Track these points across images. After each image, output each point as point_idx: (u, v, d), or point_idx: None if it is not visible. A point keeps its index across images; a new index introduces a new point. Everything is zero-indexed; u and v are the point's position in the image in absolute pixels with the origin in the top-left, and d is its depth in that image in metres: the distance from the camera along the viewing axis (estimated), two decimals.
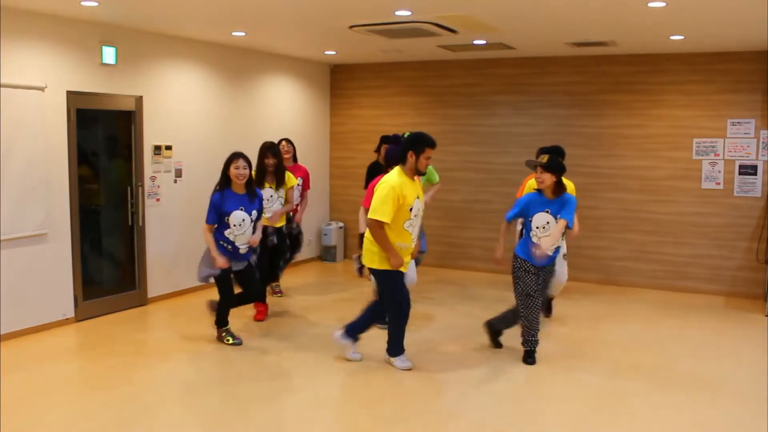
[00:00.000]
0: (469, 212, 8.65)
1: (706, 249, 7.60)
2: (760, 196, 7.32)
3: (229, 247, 5.33)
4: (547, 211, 4.96)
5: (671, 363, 5.23)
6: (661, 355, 5.41)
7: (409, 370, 4.94)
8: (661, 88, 7.68)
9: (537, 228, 4.97)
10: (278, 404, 4.33)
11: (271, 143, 6.24)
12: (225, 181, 5.32)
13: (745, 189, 7.37)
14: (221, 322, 5.56)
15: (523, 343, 5.21)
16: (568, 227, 5.01)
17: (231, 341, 5.50)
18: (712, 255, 7.58)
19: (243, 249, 5.38)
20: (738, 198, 7.41)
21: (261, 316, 6.21)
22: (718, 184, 7.48)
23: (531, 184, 5.91)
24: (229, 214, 5.26)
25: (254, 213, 5.37)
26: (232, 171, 5.28)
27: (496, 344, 5.48)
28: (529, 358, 5.18)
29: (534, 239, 5.00)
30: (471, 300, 7.07)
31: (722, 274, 7.55)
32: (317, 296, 7.16)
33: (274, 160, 6.12)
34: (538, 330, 5.17)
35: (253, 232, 5.41)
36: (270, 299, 6.77)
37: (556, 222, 4.94)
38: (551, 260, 5.09)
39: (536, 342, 5.18)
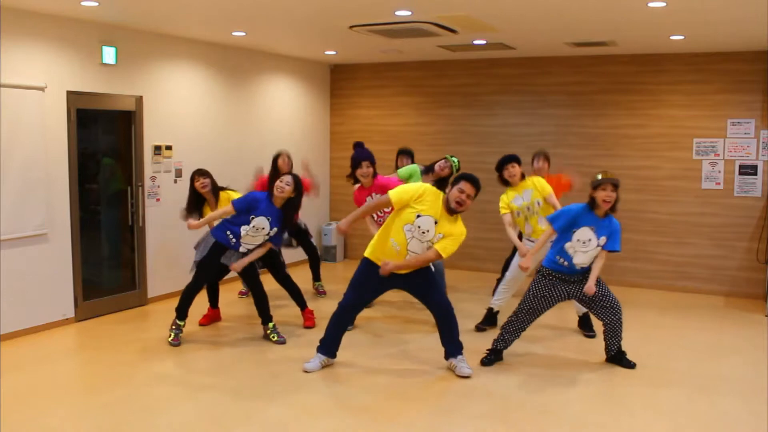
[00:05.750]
0: (469, 212, 8.57)
1: (706, 249, 7.60)
2: (760, 196, 7.32)
3: (233, 239, 5.34)
4: (593, 229, 4.83)
5: (671, 363, 5.23)
6: (660, 355, 5.41)
7: (307, 372, 4.85)
8: (661, 88, 7.68)
9: (578, 240, 4.84)
10: (279, 405, 4.33)
11: (201, 169, 5.94)
12: (270, 190, 5.35)
13: (745, 189, 7.37)
14: (180, 312, 5.50)
15: (496, 340, 5.14)
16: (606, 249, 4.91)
17: (171, 337, 5.48)
18: (712, 255, 7.58)
19: (243, 249, 5.39)
20: (738, 198, 7.42)
21: (205, 320, 6.08)
22: (718, 184, 7.49)
23: (505, 198, 5.86)
24: (257, 215, 5.25)
25: (274, 230, 5.33)
26: (277, 183, 5.28)
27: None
28: (487, 358, 5.09)
29: (569, 250, 4.88)
30: (471, 301, 7.07)
31: (722, 274, 7.55)
32: (316, 296, 7.15)
33: (207, 180, 5.82)
34: (517, 337, 5.10)
35: (255, 248, 5.41)
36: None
37: (597, 242, 4.82)
38: (581, 271, 4.96)
39: (507, 344, 5.11)
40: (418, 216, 4.63)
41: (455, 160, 6.37)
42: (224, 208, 5.42)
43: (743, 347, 5.66)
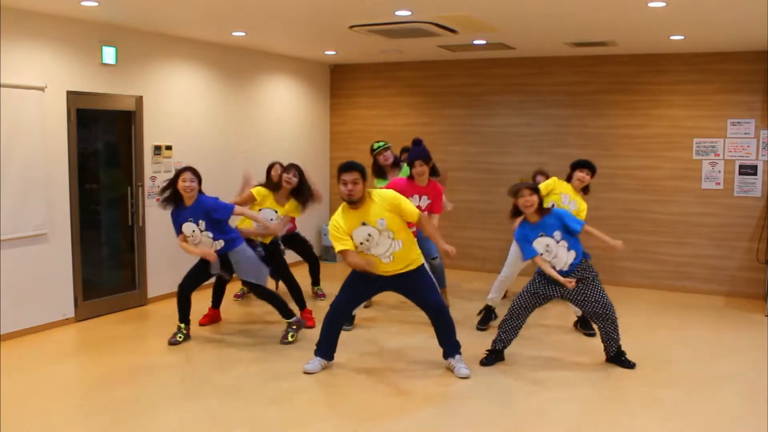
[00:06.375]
0: (470, 212, 8.64)
1: (706, 249, 7.60)
2: (760, 196, 7.32)
3: None
4: (542, 235, 4.86)
5: (671, 363, 5.23)
6: (661, 355, 5.40)
7: (309, 374, 4.82)
8: (661, 88, 7.68)
9: (541, 255, 4.89)
10: (279, 405, 4.33)
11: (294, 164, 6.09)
12: (175, 196, 5.33)
13: (745, 189, 7.37)
14: (180, 318, 5.58)
15: (494, 341, 5.12)
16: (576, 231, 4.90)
17: (172, 335, 5.52)
18: (712, 255, 7.58)
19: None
20: (738, 198, 7.41)
21: (205, 320, 6.09)
22: (718, 184, 7.48)
23: (557, 185, 5.80)
24: (180, 225, 5.34)
25: (201, 222, 5.30)
26: (180, 184, 5.28)
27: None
28: (486, 359, 5.09)
29: (545, 265, 4.92)
30: (471, 301, 7.07)
31: (722, 274, 7.55)
32: (315, 299, 7.14)
33: (297, 179, 5.92)
34: (515, 335, 5.10)
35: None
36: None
37: (557, 241, 4.84)
38: (571, 269, 4.93)
39: (506, 344, 5.11)
40: (352, 238, 4.66)
41: (381, 143, 6.54)
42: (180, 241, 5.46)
43: (743, 347, 5.66)
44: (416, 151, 5.83)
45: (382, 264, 4.75)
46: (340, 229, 4.64)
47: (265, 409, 4.25)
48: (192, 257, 5.59)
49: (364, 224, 4.64)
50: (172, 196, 5.33)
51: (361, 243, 4.67)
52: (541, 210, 4.89)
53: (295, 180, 5.91)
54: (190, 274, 5.60)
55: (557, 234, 4.87)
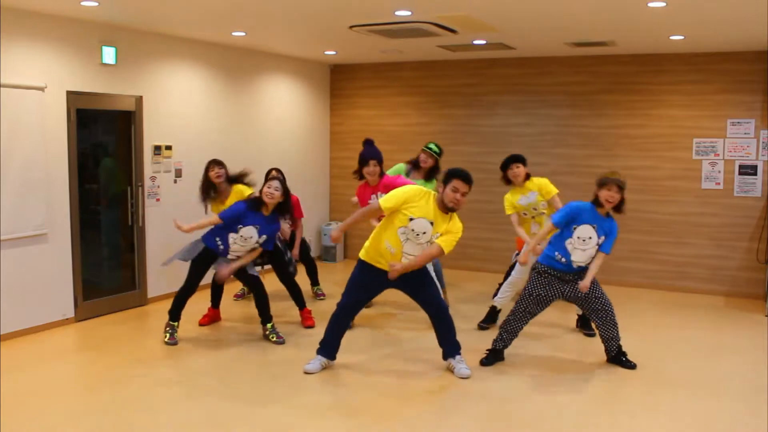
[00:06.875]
0: (469, 212, 8.61)
1: (706, 249, 7.60)
2: (760, 196, 7.32)
3: (221, 246, 5.38)
4: (594, 227, 4.82)
5: (671, 363, 5.23)
6: (661, 355, 5.41)
7: (309, 374, 4.83)
8: (661, 88, 7.68)
9: (578, 238, 4.82)
10: (279, 405, 4.33)
11: (216, 159, 5.99)
12: (258, 201, 5.30)
13: (745, 189, 7.37)
14: (173, 314, 5.55)
15: (495, 340, 5.13)
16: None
17: (166, 338, 5.50)
18: (712, 255, 7.58)
19: (231, 255, 5.42)
20: (738, 198, 7.41)
21: (205, 320, 6.09)
22: (718, 184, 7.49)
23: (510, 198, 5.91)
24: (244, 225, 5.26)
25: (264, 237, 5.33)
26: (265, 191, 5.25)
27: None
28: (487, 359, 5.10)
29: (568, 247, 4.87)
30: (470, 301, 7.07)
31: (722, 274, 7.55)
32: (315, 299, 7.14)
33: (222, 170, 5.88)
34: (515, 336, 5.11)
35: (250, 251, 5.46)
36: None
37: (597, 241, 4.81)
38: (578, 270, 4.93)
39: (507, 344, 5.11)
40: (411, 219, 4.58)
41: (433, 146, 6.36)
42: (211, 218, 5.41)
43: (743, 347, 5.66)
44: (370, 151, 5.74)
45: (393, 258, 4.71)
46: (407, 200, 4.58)
47: (265, 409, 4.25)
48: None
49: (431, 224, 4.59)
50: (258, 201, 5.28)
51: (413, 230, 4.59)
52: (615, 211, 4.85)
53: (222, 171, 5.86)
54: (196, 275, 5.52)
55: (601, 238, 4.84)
